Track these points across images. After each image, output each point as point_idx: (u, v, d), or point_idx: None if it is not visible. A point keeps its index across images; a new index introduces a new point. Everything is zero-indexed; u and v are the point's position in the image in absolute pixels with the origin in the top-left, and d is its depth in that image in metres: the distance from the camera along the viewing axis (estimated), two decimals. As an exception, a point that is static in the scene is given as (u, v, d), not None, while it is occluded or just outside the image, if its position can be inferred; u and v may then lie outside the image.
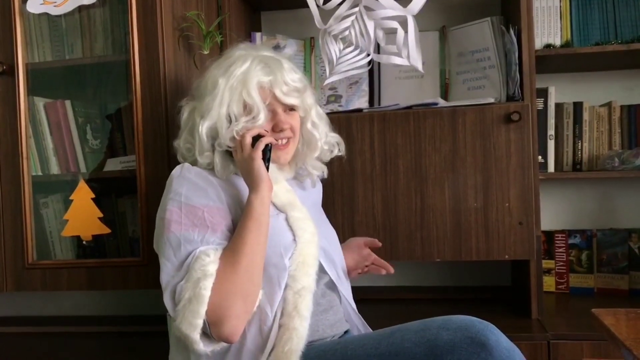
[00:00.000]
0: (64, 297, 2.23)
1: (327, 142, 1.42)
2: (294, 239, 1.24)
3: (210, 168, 1.29)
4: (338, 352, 1.16)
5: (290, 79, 1.30)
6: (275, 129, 1.29)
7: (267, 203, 1.21)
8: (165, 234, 1.18)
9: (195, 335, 1.10)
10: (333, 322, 1.29)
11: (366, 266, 1.52)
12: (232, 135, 1.26)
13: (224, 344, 1.16)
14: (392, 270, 1.48)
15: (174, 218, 1.18)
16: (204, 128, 1.26)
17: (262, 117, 1.26)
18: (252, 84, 1.25)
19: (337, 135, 1.46)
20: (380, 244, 1.53)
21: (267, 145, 1.24)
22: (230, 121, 1.26)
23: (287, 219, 1.27)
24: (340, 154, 1.48)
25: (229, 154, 1.29)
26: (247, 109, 1.26)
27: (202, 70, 1.40)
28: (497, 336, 1.05)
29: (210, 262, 1.12)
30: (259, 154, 1.22)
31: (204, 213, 1.18)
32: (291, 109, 1.32)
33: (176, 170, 1.26)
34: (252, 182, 1.21)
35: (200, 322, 1.09)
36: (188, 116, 1.32)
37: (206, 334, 1.12)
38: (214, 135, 1.27)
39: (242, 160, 1.24)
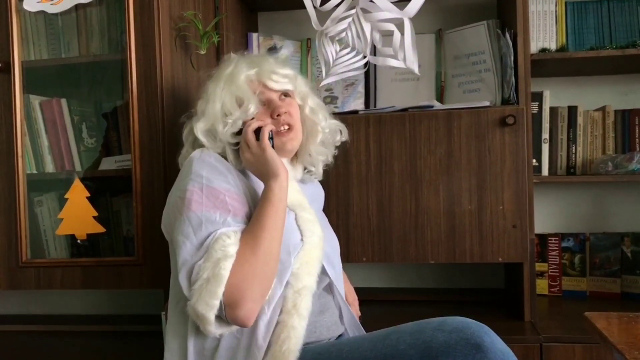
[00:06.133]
0: (58, 295, 2.22)
1: (327, 126, 1.43)
2: (302, 239, 1.24)
3: (224, 156, 1.30)
4: (333, 354, 1.16)
5: (277, 68, 1.33)
6: (273, 115, 1.30)
7: (285, 188, 1.21)
8: (184, 212, 1.16)
9: (211, 315, 1.09)
10: (330, 325, 1.30)
11: None
12: (233, 132, 1.28)
13: (233, 328, 1.15)
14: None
15: (194, 198, 1.17)
16: (198, 130, 1.28)
17: (252, 107, 1.28)
18: (240, 78, 1.29)
19: (338, 122, 1.47)
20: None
21: (268, 134, 1.25)
22: (225, 118, 1.28)
23: (296, 219, 1.27)
24: (344, 139, 1.49)
25: (237, 151, 1.30)
26: (239, 103, 1.28)
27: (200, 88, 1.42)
28: (492, 338, 1.05)
29: (230, 243, 1.12)
30: (268, 143, 1.23)
31: (225, 197, 1.18)
32: (286, 94, 1.34)
33: (196, 153, 1.26)
34: (270, 171, 1.21)
35: (217, 303, 1.08)
36: (189, 131, 1.34)
37: (219, 316, 1.11)
38: (211, 136, 1.29)
39: (251, 157, 1.25)
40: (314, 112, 1.40)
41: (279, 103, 1.32)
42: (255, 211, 1.19)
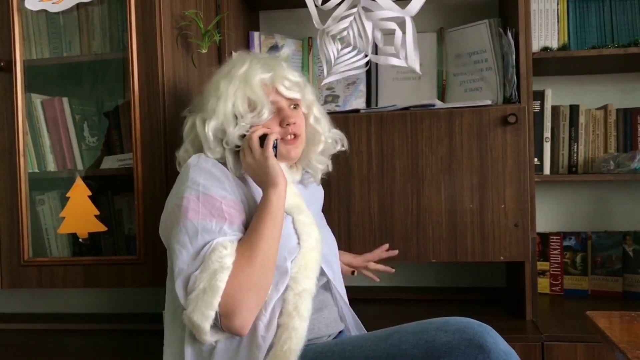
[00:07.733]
0: (60, 294, 2.22)
1: (330, 136, 1.43)
2: (298, 243, 1.24)
3: (222, 162, 1.29)
4: (336, 354, 1.16)
5: (290, 75, 1.32)
6: (282, 124, 1.30)
7: (283, 198, 1.21)
8: (181, 221, 1.16)
9: (207, 325, 1.10)
10: (329, 322, 1.30)
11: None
12: (241, 134, 1.27)
13: (229, 334, 1.15)
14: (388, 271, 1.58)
15: (191, 206, 1.17)
16: (209, 128, 1.26)
17: (267, 112, 1.27)
18: (254, 81, 1.27)
19: (339, 131, 1.48)
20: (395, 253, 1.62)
21: (273, 143, 1.25)
22: (236, 120, 1.27)
23: (293, 222, 1.27)
24: (343, 148, 1.49)
25: (238, 154, 1.29)
26: (251, 106, 1.27)
27: (202, 85, 1.41)
28: (495, 339, 1.05)
29: (227, 254, 1.12)
30: (271, 152, 1.23)
31: (221, 204, 1.18)
32: (295, 105, 1.33)
33: (193, 159, 1.25)
34: (269, 180, 1.21)
35: (212, 314, 1.09)
36: (190, 127, 1.33)
37: (214, 325, 1.12)
38: (220, 135, 1.28)
39: (252, 162, 1.24)
40: (317, 122, 1.40)
41: (289, 112, 1.31)
42: (252, 220, 1.19)
